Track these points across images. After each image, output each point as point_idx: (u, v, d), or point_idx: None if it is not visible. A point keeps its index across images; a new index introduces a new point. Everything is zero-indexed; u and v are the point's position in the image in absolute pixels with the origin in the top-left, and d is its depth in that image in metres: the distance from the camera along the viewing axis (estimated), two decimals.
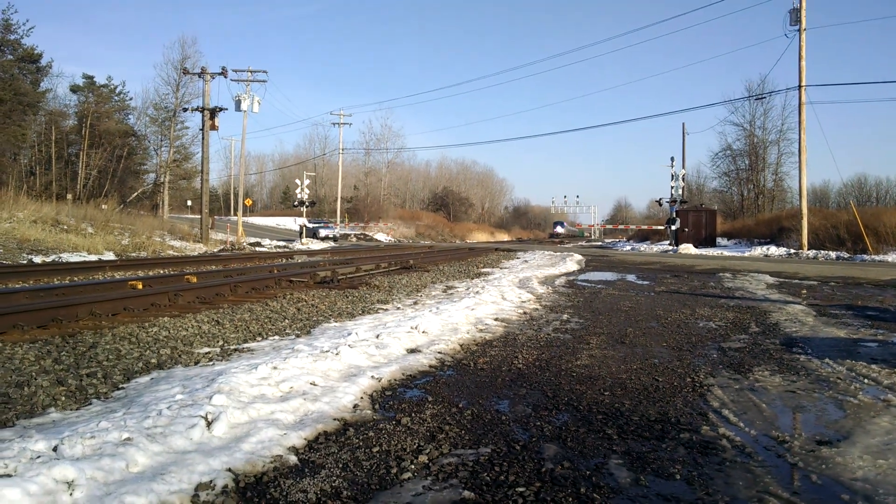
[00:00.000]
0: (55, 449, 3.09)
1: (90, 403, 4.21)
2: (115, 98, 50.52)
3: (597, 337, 7.28)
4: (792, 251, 30.91)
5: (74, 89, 48.01)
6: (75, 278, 12.83)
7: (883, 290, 13.54)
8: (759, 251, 32.43)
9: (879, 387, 5.06)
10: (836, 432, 3.97)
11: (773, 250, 32.00)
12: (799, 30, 30.80)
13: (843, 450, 3.63)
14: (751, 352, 6.52)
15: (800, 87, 31.25)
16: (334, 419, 4.02)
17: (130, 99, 53.64)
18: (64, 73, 79.28)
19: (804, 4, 30.61)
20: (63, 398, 4.30)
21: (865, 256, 27.10)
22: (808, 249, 30.36)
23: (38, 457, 2.98)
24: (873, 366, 5.75)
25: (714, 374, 5.52)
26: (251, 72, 37.79)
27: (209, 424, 3.64)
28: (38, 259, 17.27)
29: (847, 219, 31.65)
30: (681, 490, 3.09)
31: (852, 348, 6.72)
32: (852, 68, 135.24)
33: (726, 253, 33.08)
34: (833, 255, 28.16)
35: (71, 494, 2.75)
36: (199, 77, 32.44)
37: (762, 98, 49.94)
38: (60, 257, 18.03)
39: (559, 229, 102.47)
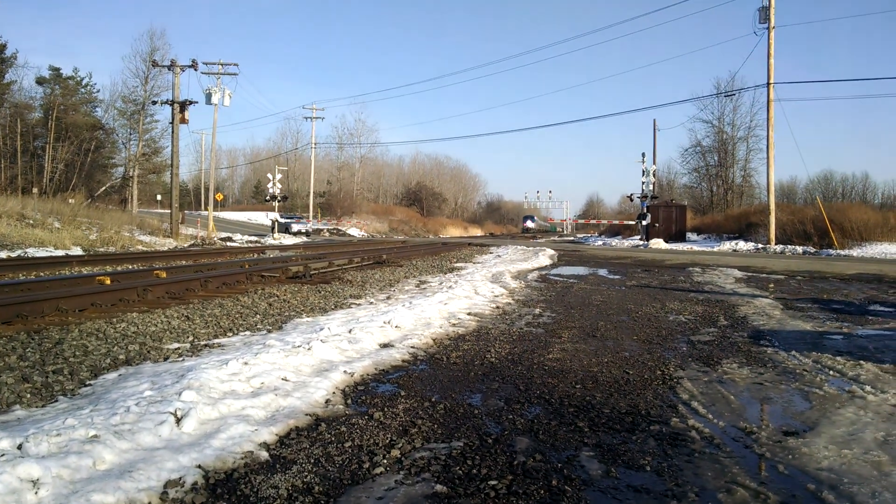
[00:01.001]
0: (20, 447, 3.03)
1: (56, 400, 4.14)
2: (82, 90, 49.60)
3: (569, 331, 7.32)
4: (760, 246, 31.38)
5: (40, 81, 47.00)
6: (41, 273, 12.59)
7: (848, 283, 13.81)
8: (727, 246, 32.88)
9: (844, 378, 5.17)
10: (802, 423, 4.04)
11: (742, 245, 32.47)
12: (768, 28, 31.24)
13: (810, 440, 3.70)
14: (719, 345, 6.61)
15: (768, 84, 31.70)
16: (306, 414, 3.99)
17: (98, 91, 52.86)
18: (29, 65, 77.42)
19: (773, 3, 31.03)
20: (28, 395, 4.21)
21: (831, 251, 27.63)
22: (776, 244, 30.85)
23: (2, 455, 2.92)
24: (838, 358, 5.87)
25: (684, 366, 5.59)
26: (222, 64, 37.35)
27: (178, 421, 3.60)
28: (2, 254, 16.90)
29: (814, 214, 32.25)
30: (651, 481, 3.12)
31: (818, 341, 6.85)
32: (820, 66, 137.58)
33: (696, 248, 33.50)
34: (800, 249, 28.67)
35: (36, 493, 2.70)
36: (169, 70, 31.97)
37: (731, 95, 50.63)
38: (26, 252, 17.68)
39: (530, 224, 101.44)
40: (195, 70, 32.42)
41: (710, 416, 4.14)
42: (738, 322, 8.12)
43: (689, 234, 41.95)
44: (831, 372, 5.39)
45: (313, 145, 63.12)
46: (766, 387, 4.96)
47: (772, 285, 13.22)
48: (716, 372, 5.42)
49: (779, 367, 5.62)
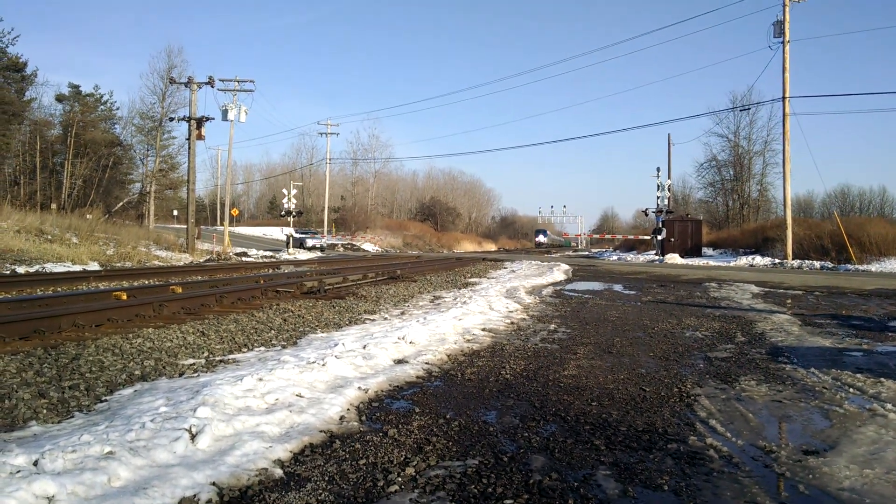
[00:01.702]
0: (35, 463, 3.04)
1: (72, 416, 4.15)
2: (101, 107, 50.37)
3: (584, 347, 7.27)
4: (777, 261, 31.13)
5: (60, 98, 47.82)
6: (59, 289, 12.69)
7: (867, 299, 13.65)
8: (744, 261, 32.64)
9: (865, 396, 5.09)
10: (822, 442, 3.98)
11: (759, 260, 32.23)
12: (783, 42, 31.18)
13: (830, 459, 3.63)
14: (737, 361, 6.54)
15: (783, 98, 31.60)
16: (321, 431, 3.98)
17: (117, 108, 53.50)
18: (49, 82, 78.78)
19: (787, 17, 31.00)
20: (45, 411, 4.23)
21: (849, 266, 27.35)
22: (793, 259, 30.60)
23: (18, 471, 2.93)
24: (858, 375, 5.78)
25: (701, 383, 5.53)
26: (238, 81, 37.75)
27: (193, 437, 3.60)
28: (21, 269, 17.07)
29: (831, 229, 31.98)
30: (669, 501, 3.08)
31: (837, 358, 6.76)
32: (836, 80, 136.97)
33: (712, 263, 33.28)
34: (817, 264, 28.40)
35: None
36: (186, 86, 32.30)
37: (746, 109, 50.58)
38: (44, 267, 17.84)
39: (542, 238, 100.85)
40: (212, 87, 32.75)
41: (729, 435, 4.09)
42: (755, 338, 8.04)
43: (704, 249, 41.69)
44: (851, 389, 5.31)
45: (328, 161, 63.55)
46: (785, 404, 4.89)
47: (789, 301, 13.09)
48: (734, 389, 5.35)
49: (798, 384, 5.54)
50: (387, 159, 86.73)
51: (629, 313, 10.57)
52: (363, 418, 4.34)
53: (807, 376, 5.82)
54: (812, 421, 4.47)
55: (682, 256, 37.74)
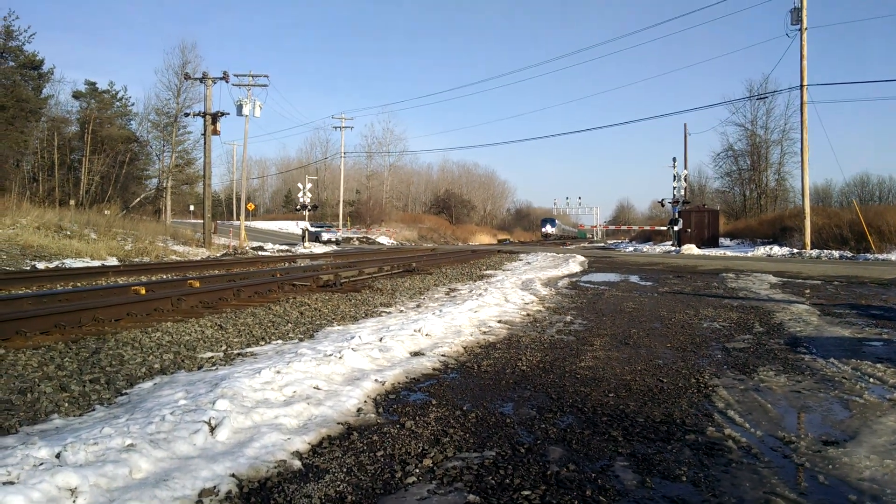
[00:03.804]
0: (58, 456, 3.08)
1: (93, 409, 4.20)
2: (117, 104, 50.67)
3: (600, 338, 7.26)
4: (795, 251, 30.86)
5: (77, 95, 48.17)
6: (78, 284, 12.83)
7: (887, 288, 13.50)
8: (762, 251, 32.38)
9: (885, 386, 5.04)
10: (842, 432, 3.95)
11: (777, 250, 31.95)
12: (800, 29, 30.82)
13: (850, 450, 3.61)
14: (755, 352, 6.50)
15: (801, 86, 31.24)
16: (338, 423, 4.00)
17: (132, 104, 53.94)
18: (66, 79, 79.52)
19: (805, 4, 30.61)
20: (66, 404, 4.29)
21: (869, 255, 27.06)
22: (812, 249, 30.33)
23: (41, 464, 2.97)
24: (879, 365, 5.73)
25: (719, 374, 5.50)
26: (252, 76, 37.87)
27: (213, 430, 3.63)
28: (41, 265, 17.27)
29: (850, 218, 31.64)
30: (687, 492, 3.07)
31: (857, 347, 6.70)
32: (855, 67, 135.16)
33: (729, 253, 33.03)
34: (836, 254, 28.12)
35: (74, 501, 2.74)
36: (201, 82, 32.43)
37: (763, 98, 50.08)
38: (63, 263, 18.04)
39: (550, 229, 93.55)
40: (226, 82, 32.89)
41: (748, 426, 4.06)
42: (773, 329, 7.98)
43: (721, 240, 41.39)
44: (871, 379, 5.26)
45: (342, 154, 63.73)
46: (804, 395, 4.86)
47: (808, 291, 12.97)
48: (752, 380, 5.32)
49: (817, 374, 5.50)
50: (401, 152, 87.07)
51: (646, 304, 10.53)
52: (380, 410, 4.36)
53: (826, 366, 5.77)
54: (832, 411, 4.44)
55: (699, 247, 37.49)
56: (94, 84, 49.30)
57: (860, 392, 4.87)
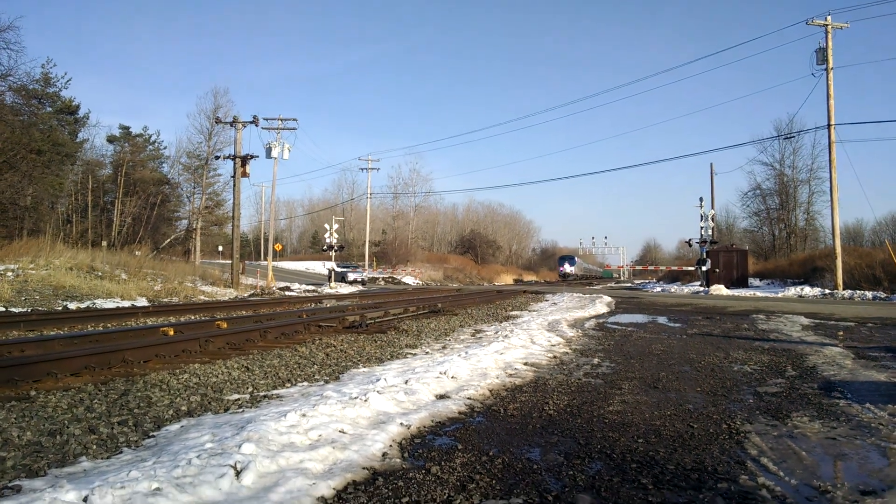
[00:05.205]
0: (85, 500, 3.10)
1: (121, 452, 4.22)
2: (150, 147, 51.84)
3: (629, 382, 7.15)
4: (826, 291, 30.32)
5: (111, 139, 49.39)
6: (109, 324, 13.01)
7: None
8: (792, 292, 31.85)
9: None
10: (880, 481, 3.83)
11: (808, 290, 31.41)
12: (826, 69, 30.76)
13: (888, 500, 3.49)
14: (788, 396, 6.35)
15: (829, 125, 31.08)
16: (363, 468, 3.97)
17: (164, 147, 55.11)
18: (101, 124, 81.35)
19: (830, 44, 30.61)
20: (94, 447, 4.32)
21: None
22: (844, 289, 29.77)
23: None
24: None
25: (751, 420, 5.38)
26: (281, 120, 38.68)
27: (238, 474, 3.62)
28: (72, 305, 17.56)
29: (882, 258, 31.09)
30: None
31: (894, 392, 6.52)
32: (883, 103, 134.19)
33: (759, 294, 32.56)
34: (869, 294, 27.57)
35: None
36: (231, 126, 33.19)
37: (791, 137, 49.86)
38: (94, 303, 18.32)
39: (568, 267, 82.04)
40: (256, 126, 33.60)
41: (781, 474, 3.96)
42: (807, 372, 7.81)
43: (751, 280, 40.86)
44: None
45: (368, 195, 64.31)
46: (839, 442, 4.73)
47: (841, 333, 12.71)
48: (785, 426, 5.19)
49: (853, 420, 5.36)
50: (427, 193, 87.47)
51: (674, 346, 10.38)
52: (405, 455, 4.32)
53: (862, 412, 5.62)
54: (869, 459, 4.31)
55: (728, 287, 37.00)
56: (127, 128, 50.60)
57: None
